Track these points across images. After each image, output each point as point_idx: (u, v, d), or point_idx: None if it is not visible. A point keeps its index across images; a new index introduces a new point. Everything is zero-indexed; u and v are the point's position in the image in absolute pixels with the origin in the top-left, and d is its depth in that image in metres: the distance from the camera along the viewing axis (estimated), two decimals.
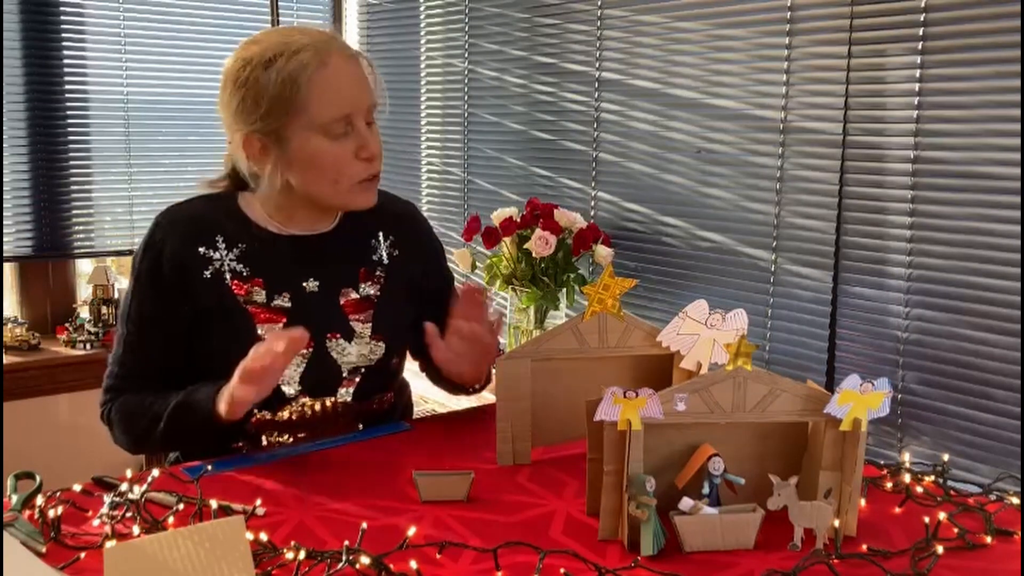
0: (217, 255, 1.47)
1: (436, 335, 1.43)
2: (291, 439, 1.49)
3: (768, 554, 1.10)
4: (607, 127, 2.55)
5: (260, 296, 1.48)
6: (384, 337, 1.55)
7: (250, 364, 1.28)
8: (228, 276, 1.47)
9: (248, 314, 1.47)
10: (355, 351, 1.52)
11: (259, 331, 1.46)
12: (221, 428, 1.35)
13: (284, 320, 1.48)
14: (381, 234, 1.60)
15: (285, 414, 1.48)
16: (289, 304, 1.49)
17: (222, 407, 1.33)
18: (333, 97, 1.39)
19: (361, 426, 1.55)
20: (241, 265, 1.48)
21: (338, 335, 1.52)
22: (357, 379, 1.53)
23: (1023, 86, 1.74)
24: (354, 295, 1.54)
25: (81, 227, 2.92)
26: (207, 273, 1.46)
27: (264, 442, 1.48)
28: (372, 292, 1.56)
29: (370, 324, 1.54)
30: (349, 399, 1.52)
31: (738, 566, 1.08)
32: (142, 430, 1.44)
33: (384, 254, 1.59)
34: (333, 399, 1.51)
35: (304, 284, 1.51)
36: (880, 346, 2.01)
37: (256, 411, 1.44)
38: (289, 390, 1.47)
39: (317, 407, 1.50)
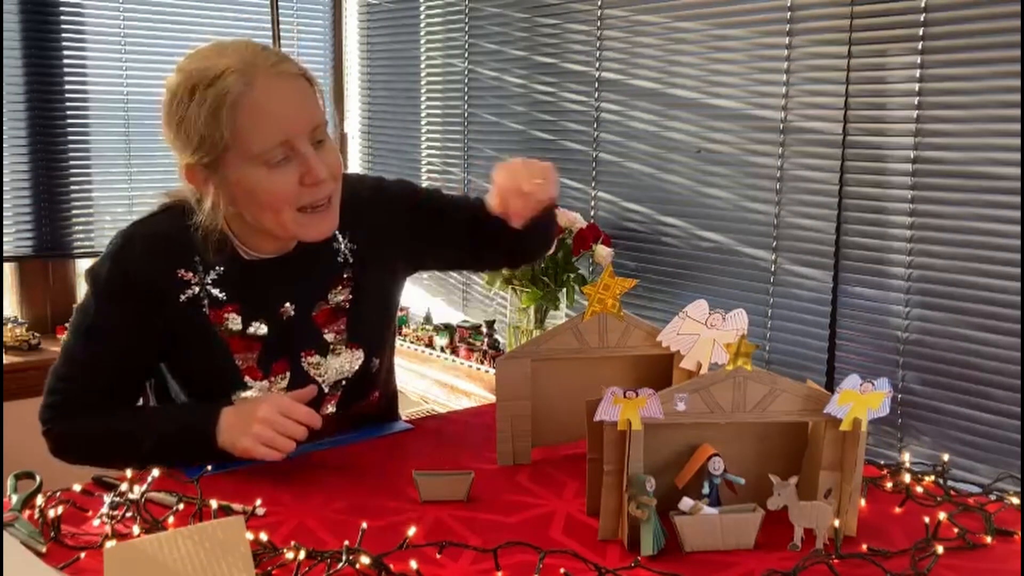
0: (196, 278, 1.39)
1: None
2: None
3: (768, 554, 1.10)
4: (607, 127, 2.55)
5: (236, 324, 1.41)
6: (361, 344, 1.49)
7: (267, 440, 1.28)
8: (205, 302, 1.40)
9: (224, 342, 1.40)
10: (334, 365, 1.47)
11: (236, 360, 1.40)
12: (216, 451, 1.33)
13: (259, 348, 1.42)
14: (338, 233, 1.49)
15: None
16: (265, 331, 1.42)
17: (222, 439, 1.31)
18: (265, 124, 1.27)
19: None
20: (218, 290, 1.40)
21: (312, 351, 1.45)
22: (339, 393, 1.48)
23: (1023, 86, 1.74)
24: (326, 306, 1.47)
25: (81, 227, 2.92)
26: (183, 297, 1.38)
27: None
28: (342, 298, 1.48)
29: (344, 333, 1.48)
30: (333, 410, 1.48)
31: (738, 566, 1.08)
32: (112, 450, 1.36)
33: (346, 252, 1.50)
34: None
35: (281, 309, 1.44)
36: (880, 346, 2.01)
37: None
38: None
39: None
